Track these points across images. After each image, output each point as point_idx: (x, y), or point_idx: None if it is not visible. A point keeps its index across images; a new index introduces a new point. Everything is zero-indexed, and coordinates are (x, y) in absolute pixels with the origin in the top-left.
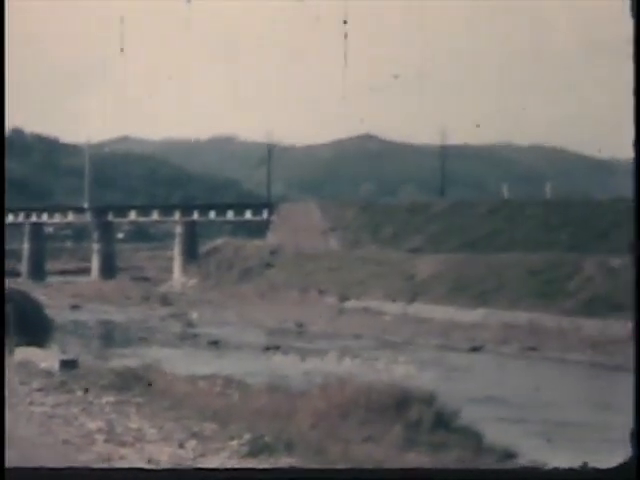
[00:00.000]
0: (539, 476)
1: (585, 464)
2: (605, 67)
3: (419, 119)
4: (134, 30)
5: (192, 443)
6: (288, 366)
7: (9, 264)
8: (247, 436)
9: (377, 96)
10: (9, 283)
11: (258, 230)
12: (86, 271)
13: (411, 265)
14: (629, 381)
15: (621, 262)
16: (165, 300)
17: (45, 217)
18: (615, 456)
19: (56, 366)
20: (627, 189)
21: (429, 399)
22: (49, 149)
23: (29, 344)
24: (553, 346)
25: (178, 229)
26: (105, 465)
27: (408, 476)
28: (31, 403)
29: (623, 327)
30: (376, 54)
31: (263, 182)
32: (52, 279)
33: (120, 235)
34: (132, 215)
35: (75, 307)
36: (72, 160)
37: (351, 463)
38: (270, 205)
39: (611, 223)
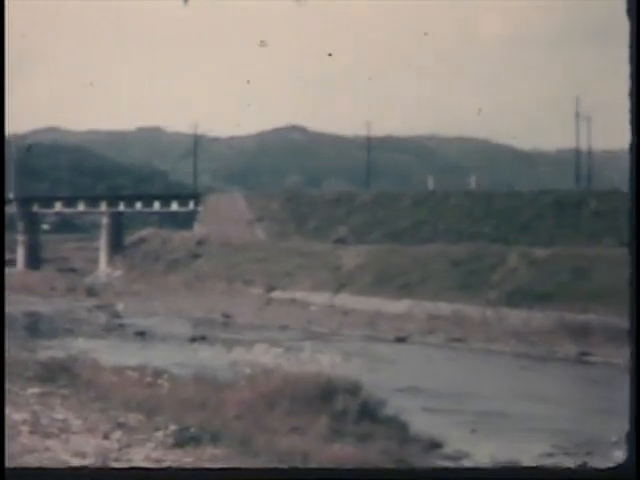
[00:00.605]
0: (539, 476)
1: (585, 464)
2: (531, 59)
3: (345, 110)
4: (67, 21)
5: (117, 434)
6: (214, 357)
7: None
8: (173, 427)
9: (304, 87)
10: None
11: (185, 221)
12: (11, 262)
13: (336, 256)
14: (552, 371)
15: (543, 253)
16: (91, 291)
17: None
18: (536, 445)
19: None
20: (549, 180)
21: (355, 390)
22: None
23: None
24: (477, 337)
25: (104, 220)
26: (103, 465)
27: (408, 476)
28: None
29: (546, 318)
30: (301, 46)
31: (190, 173)
32: None
33: (45, 226)
34: (58, 206)
35: None
36: None
37: (276, 454)
38: (196, 196)
39: (534, 215)
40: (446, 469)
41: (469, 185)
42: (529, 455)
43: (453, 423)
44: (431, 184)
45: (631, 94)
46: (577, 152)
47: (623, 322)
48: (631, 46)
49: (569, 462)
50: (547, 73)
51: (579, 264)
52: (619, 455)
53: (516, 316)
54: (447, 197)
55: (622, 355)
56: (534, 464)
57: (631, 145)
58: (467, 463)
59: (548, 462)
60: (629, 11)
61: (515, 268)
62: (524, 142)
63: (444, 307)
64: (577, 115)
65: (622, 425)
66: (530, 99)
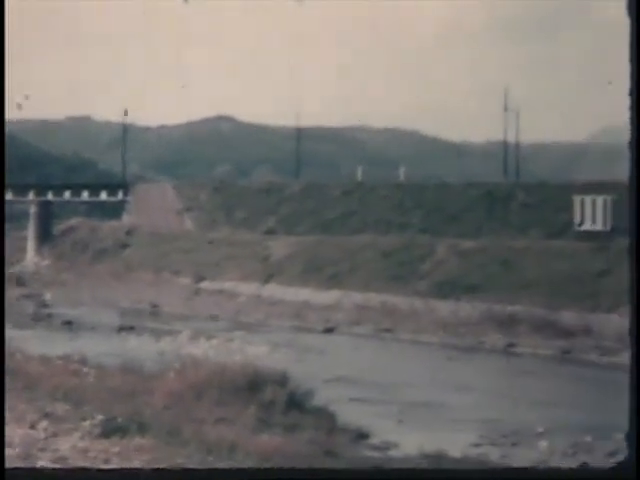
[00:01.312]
0: (539, 476)
1: (585, 464)
2: (462, 52)
3: (275, 101)
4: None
5: (44, 424)
6: (142, 347)
7: None
8: (100, 417)
9: (232, 78)
10: None
11: (114, 211)
12: None
13: (265, 247)
14: (479, 362)
15: (472, 245)
16: (18, 280)
17: None
18: (464, 436)
19: None
20: (478, 173)
21: (283, 380)
22: None
23: None
24: (406, 327)
25: (32, 209)
26: (104, 465)
27: (408, 476)
28: None
29: (474, 309)
30: (231, 35)
31: (119, 162)
32: None
33: None
34: None
35: None
36: None
37: (204, 444)
38: (125, 186)
39: (463, 206)
40: (446, 469)
41: (398, 176)
42: (457, 445)
43: (381, 414)
44: (360, 175)
45: (631, 94)
46: (505, 145)
47: (549, 313)
48: (631, 46)
49: (495, 452)
50: (476, 66)
51: (507, 256)
52: (544, 444)
53: (444, 307)
54: (376, 188)
55: (548, 346)
56: (461, 454)
57: (631, 145)
58: (395, 453)
59: (475, 452)
60: (629, 11)
61: (444, 259)
62: (453, 134)
63: (373, 298)
64: (505, 108)
65: (548, 415)
66: (460, 92)
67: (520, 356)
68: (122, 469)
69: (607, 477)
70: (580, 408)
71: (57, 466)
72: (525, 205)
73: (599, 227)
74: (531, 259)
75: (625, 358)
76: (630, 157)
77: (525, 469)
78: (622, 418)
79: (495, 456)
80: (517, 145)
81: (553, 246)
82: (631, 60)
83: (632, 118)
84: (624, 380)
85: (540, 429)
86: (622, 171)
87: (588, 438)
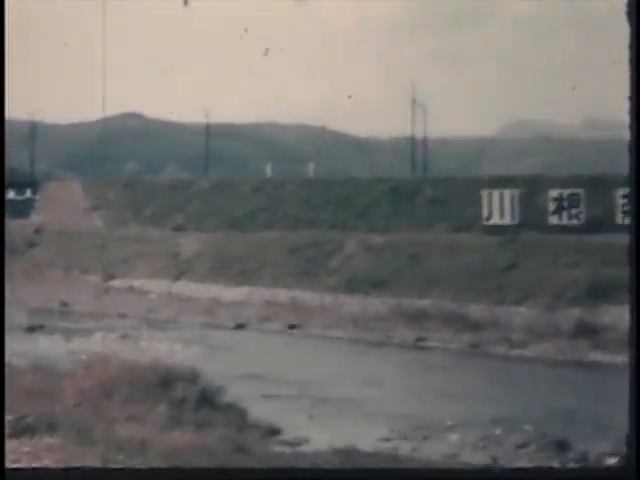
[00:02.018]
0: (539, 476)
1: (585, 464)
2: (369, 46)
3: (183, 98)
4: None
5: None
6: (52, 346)
7: None
8: (8, 417)
9: (140, 75)
10: None
11: (22, 209)
12: None
13: (174, 244)
14: (389, 356)
15: (380, 240)
16: None
17: None
18: (374, 430)
19: None
20: (385, 168)
21: (193, 377)
22: None
23: None
24: (315, 323)
25: None
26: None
27: (407, 476)
28: None
29: (383, 304)
30: (141, 32)
31: (27, 161)
32: None
33: None
34: None
35: None
36: None
37: (114, 442)
38: (34, 184)
39: (371, 202)
40: (446, 469)
41: (307, 172)
42: (367, 440)
43: (292, 409)
44: (269, 171)
45: (631, 95)
46: (413, 140)
47: (458, 307)
48: (631, 46)
49: (407, 446)
50: (384, 61)
51: (415, 250)
52: (454, 438)
53: (353, 302)
54: (285, 184)
55: (457, 340)
56: (372, 449)
57: (630, 145)
58: (306, 449)
59: (386, 446)
60: (629, 12)
61: (352, 255)
62: (361, 130)
63: (282, 294)
64: (413, 103)
65: (458, 409)
66: (367, 87)
67: (429, 350)
68: (122, 469)
69: (607, 477)
70: (490, 401)
71: (57, 466)
72: (433, 200)
73: (507, 221)
74: (439, 253)
75: (532, 350)
76: (630, 157)
77: (525, 469)
78: (530, 410)
79: (406, 450)
80: (425, 140)
81: (461, 240)
82: (630, 62)
83: (632, 122)
84: (532, 372)
85: (450, 422)
86: (529, 165)
87: (498, 431)
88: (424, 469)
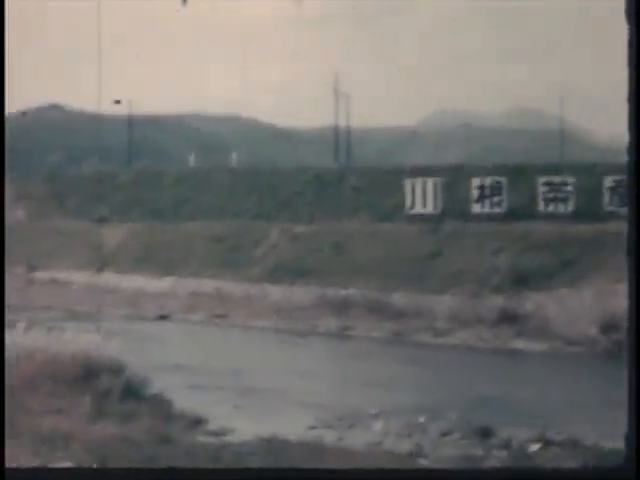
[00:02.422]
0: (539, 476)
1: (585, 464)
2: (294, 38)
3: (106, 88)
4: None
5: None
6: None
7: None
8: None
9: (60, 65)
10: None
11: None
12: None
13: (98, 235)
14: (313, 346)
15: (304, 229)
16: None
17: None
18: (300, 420)
19: None
20: (309, 157)
21: (118, 369)
22: None
23: None
24: (240, 313)
25: None
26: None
27: (407, 476)
28: None
29: (308, 293)
30: (62, 22)
31: None
32: None
33: None
34: None
35: None
36: None
37: (39, 435)
38: None
39: (294, 191)
40: (447, 469)
41: (230, 162)
42: (293, 429)
43: (217, 400)
44: (192, 162)
45: (630, 96)
46: (336, 129)
47: (382, 296)
48: (630, 47)
49: (332, 434)
50: (307, 51)
51: (339, 239)
52: (379, 426)
53: (278, 292)
54: (209, 174)
55: (381, 328)
56: (297, 438)
57: (630, 145)
58: (231, 439)
59: (311, 435)
60: (628, 11)
61: (277, 244)
62: (285, 120)
63: (206, 284)
64: (336, 92)
65: (382, 397)
66: (291, 77)
67: (354, 339)
68: (122, 469)
69: (607, 477)
70: (414, 389)
71: (57, 466)
72: (356, 189)
73: (430, 210)
74: (363, 242)
75: (455, 338)
76: (630, 157)
77: (525, 469)
78: (454, 397)
79: (331, 438)
80: (348, 129)
81: (385, 229)
82: (629, 65)
83: (630, 122)
84: (456, 360)
85: (375, 411)
86: (451, 154)
87: (422, 419)
88: (424, 469)
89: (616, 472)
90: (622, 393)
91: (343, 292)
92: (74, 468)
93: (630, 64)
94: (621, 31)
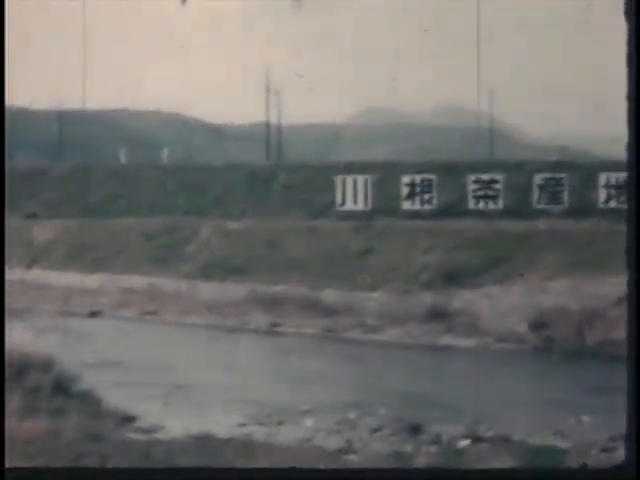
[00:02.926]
0: (539, 476)
1: (585, 464)
2: (225, 33)
3: (37, 84)
4: None
5: None
6: None
7: None
8: None
9: None
10: None
11: None
12: None
13: (28, 231)
14: (244, 342)
15: (236, 226)
16: None
17: None
18: (230, 416)
19: None
20: (241, 154)
21: (48, 365)
22: None
23: None
24: (171, 309)
25: None
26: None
27: (407, 476)
28: None
29: (239, 289)
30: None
31: None
32: None
33: None
34: None
35: None
36: None
37: None
38: None
39: (226, 188)
40: (447, 469)
41: (161, 159)
42: (223, 426)
43: (147, 396)
44: (123, 158)
45: (629, 96)
46: (267, 126)
47: (313, 293)
48: (629, 46)
49: (261, 431)
50: (238, 47)
51: (270, 236)
52: (309, 422)
53: (209, 288)
54: (139, 171)
55: (312, 325)
56: (227, 435)
57: (630, 145)
58: (161, 436)
59: (241, 432)
60: (627, 12)
61: (208, 241)
62: (216, 116)
63: (138, 280)
64: (267, 89)
65: (313, 393)
66: (221, 73)
67: (284, 335)
68: (122, 469)
69: (607, 477)
70: (344, 385)
71: (57, 466)
72: (288, 186)
73: (360, 207)
74: (294, 239)
75: (386, 335)
76: (629, 157)
77: (524, 469)
78: (384, 394)
79: (261, 435)
80: (279, 126)
81: (316, 226)
82: (629, 64)
83: (629, 121)
84: (386, 357)
85: (305, 407)
86: (382, 151)
87: (352, 415)
88: (424, 469)
89: (616, 472)
90: (551, 389)
91: (274, 289)
92: (74, 468)
93: (629, 63)
94: (551, 31)
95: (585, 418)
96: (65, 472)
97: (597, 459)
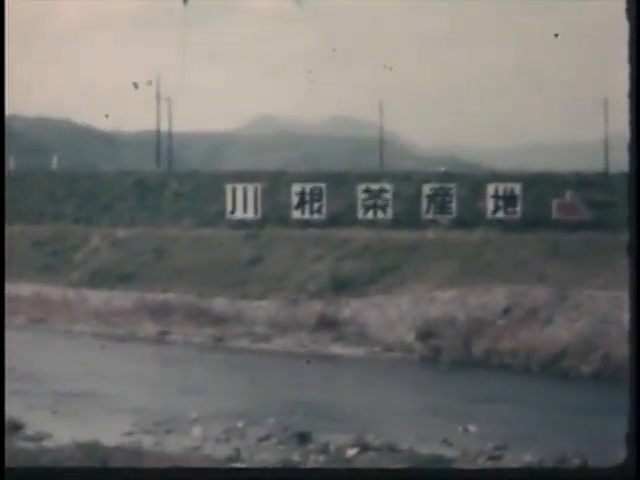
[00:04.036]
0: (539, 476)
1: (585, 464)
2: (103, 42)
3: None
4: None
5: None
6: None
7: None
8: None
9: None
10: None
11: None
12: None
13: None
14: (132, 351)
15: (125, 234)
16: None
17: None
18: (117, 425)
19: None
20: (131, 161)
21: None
22: None
23: None
24: (59, 318)
25: None
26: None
27: (406, 476)
28: None
29: (127, 298)
30: None
31: None
32: None
33: None
34: None
35: None
36: None
37: None
38: None
39: (115, 195)
40: (447, 469)
41: (50, 165)
42: (110, 435)
43: (35, 405)
44: (12, 164)
45: (630, 95)
46: (158, 133)
47: (202, 301)
48: (630, 46)
49: (149, 440)
50: (127, 55)
51: (160, 244)
52: (197, 431)
53: (98, 296)
54: (29, 177)
55: (201, 334)
56: (115, 443)
57: (630, 145)
58: (48, 444)
59: (128, 440)
60: (628, 11)
61: (97, 249)
62: (106, 123)
63: (25, 288)
64: (158, 96)
65: (202, 402)
66: (113, 79)
67: (173, 344)
68: (122, 469)
69: (607, 477)
70: (233, 394)
71: (57, 466)
72: (178, 194)
73: (250, 215)
74: (184, 247)
75: (274, 344)
76: (630, 158)
77: (524, 469)
78: (273, 403)
79: (149, 444)
80: (170, 134)
81: (206, 234)
82: (630, 61)
83: (631, 120)
84: (275, 365)
85: (193, 416)
86: (272, 160)
87: (240, 424)
88: (423, 469)
89: (616, 472)
90: (438, 398)
91: (163, 297)
92: (74, 468)
93: (631, 62)
94: (450, 46)
95: (472, 427)
96: (65, 472)
97: (484, 467)
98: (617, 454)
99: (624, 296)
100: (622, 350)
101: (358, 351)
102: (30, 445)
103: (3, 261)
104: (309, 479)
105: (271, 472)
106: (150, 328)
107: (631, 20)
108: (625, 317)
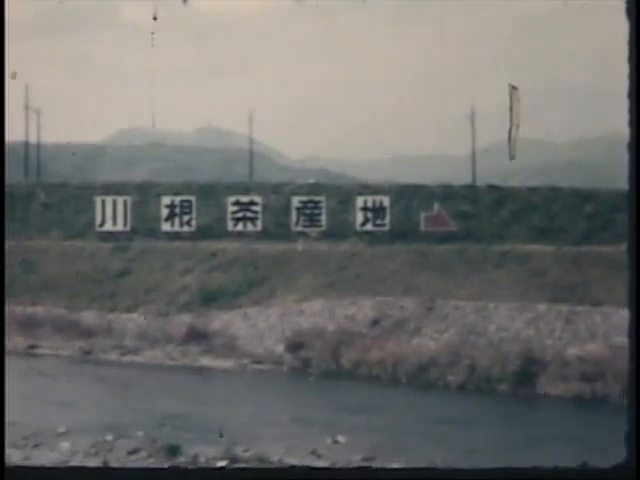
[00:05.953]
0: (539, 476)
1: (585, 464)
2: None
3: None
4: None
5: None
6: None
7: None
8: None
9: None
10: None
11: None
12: None
13: None
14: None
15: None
16: None
17: None
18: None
19: None
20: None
21: None
22: None
23: None
24: None
25: None
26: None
27: (406, 476)
28: None
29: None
30: None
31: None
32: None
33: None
34: None
35: None
36: None
37: None
38: None
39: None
40: (447, 469)
41: None
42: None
43: None
44: None
45: (630, 95)
46: (26, 144)
47: (70, 314)
48: (630, 46)
49: (17, 454)
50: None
51: (27, 257)
52: (66, 445)
53: None
54: None
55: (69, 347)
56: None
57: (630, 145)
58: None
59: None
60: (628, 11)
61: None
62: None
63: None
64: (27, 107)
65: (70, 416)
66: None
67: (41, 357)
68: (122, 469)
69: (607, 477)
70: (101, 407)
71: (57, 466)
72: (46, 205)
73: (120, 227)
74: (52, 260)
75: (143, 356)
76: (630, 158)
77: (524, 469)
78: (142, 416)
79: (17, 458)
80: (38, 145)
81: (75, 246)
82: (630, 61)
83: (631, 120)
84: (144, 378)
85: (62, 430)
86: (141, 172)
87: (109, 437)
88: (424, 468)
89: (616, 472)
90: (308, 409)
91: (31, 310)
92: (74, 468)
93: (630, 61)
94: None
95: (340, 438)
96: (65, 472)
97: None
98: (484, 463)
99: (490, 306)
100: (487, 361)
101: (227, 363)
102: None
103: (3, 262)
104: (310, 479)
105: (271, 472)
106: (18, 341)
107: (631, 20)
108: (491, 328)
